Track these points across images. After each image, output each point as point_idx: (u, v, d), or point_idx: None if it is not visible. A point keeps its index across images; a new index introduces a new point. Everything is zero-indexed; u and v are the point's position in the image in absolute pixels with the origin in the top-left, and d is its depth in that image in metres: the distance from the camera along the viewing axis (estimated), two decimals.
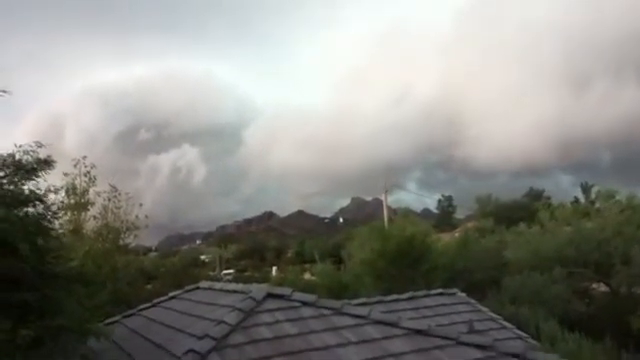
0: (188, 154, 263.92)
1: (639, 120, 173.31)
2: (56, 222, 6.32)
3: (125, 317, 8.81)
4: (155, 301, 8.81)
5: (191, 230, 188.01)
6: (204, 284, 8.56)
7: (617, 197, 22.19)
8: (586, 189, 53.73)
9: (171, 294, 8.77)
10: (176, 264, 35.39)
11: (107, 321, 8.57)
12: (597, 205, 26.69)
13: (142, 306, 8.85)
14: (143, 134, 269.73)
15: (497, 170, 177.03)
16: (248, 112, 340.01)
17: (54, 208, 6.13)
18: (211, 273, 49.16)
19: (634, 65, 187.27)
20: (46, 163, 6.06)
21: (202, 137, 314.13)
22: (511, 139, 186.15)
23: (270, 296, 6.45)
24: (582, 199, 49.30)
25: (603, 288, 20.10)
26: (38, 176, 5.99)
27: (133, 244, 17.71)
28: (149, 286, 24.06)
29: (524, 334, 9.04)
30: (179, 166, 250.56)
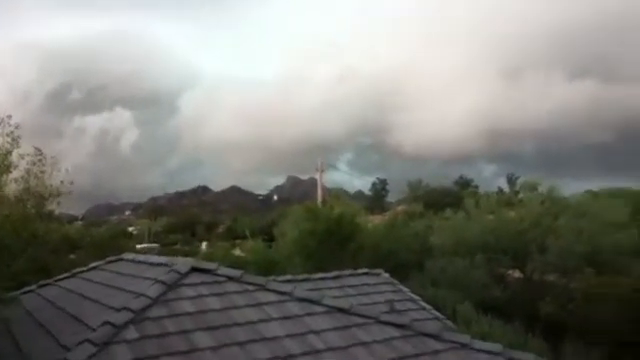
0: (118, 118, 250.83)
1: (563, 114, 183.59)
2: None
3: (41, 287, 8.49)
4: (74, 271, 8.53)
5: (120, 200, 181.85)
6: (127, 256, 8.36)
7: (539, 189, 23.27)
8: (511, 180, 56.20)
9: (92, 265, 8.52)
10: (102, 234, 34.34)
11: (22, 290, 8.24)
12: (520, 196, 27.99)
13: (60, 276, 8.54)
14: (75, 94, 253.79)
15: (427, 157, 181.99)
16: (191, 80, 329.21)
17: None
18: (138, 246, 47.97)
19: (563, 60, 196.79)
20: None
21: (138, 102, 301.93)
22: (442, 127, 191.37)
23: (195, 270, 6.38)
24: (507, 189, 51.69)
25: (517, 274, 21.19)
26: None
27: (57, 211, 16.96)
28: (73, 256, 23.23)
29: (441, 315, 9.45)
30: (107, 129, 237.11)
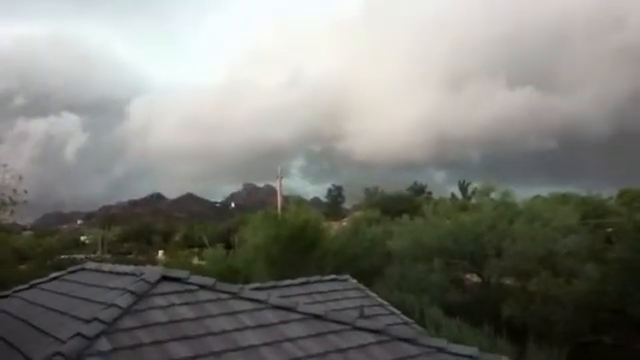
0: (65, 122, 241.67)
1: (507, 121, 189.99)
2: None
3: None
4: (33, 282, 8.17)
5: (68, 209, 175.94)
6: (90, 265, 8.08)
7: (492, 194, 23.91)
8: (463, 186, 57.29)
9: (52, 275, 8.19)
10: (54, 245, 33.24)
11: None
12: (473, 201, 28.66)
13: (18, 287, 8.17)
14: (20, 99, 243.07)
15: (376, 163, 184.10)
16: (140, 87, 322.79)
17: None
18: (92, 255, 46.58)
19: (503, 68, 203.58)
20: None
21: (86, 108, 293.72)
22: (390, 134, 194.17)
23: (165, 279, 6.20)
24: (458, 195, 52.73)
25: (475, 279, 21.67)
26: None
27: (10, 221, 16.30)
28: (23, 267, 22.39)
29: (410, 320, 9.54)
30: (52, 135, 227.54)
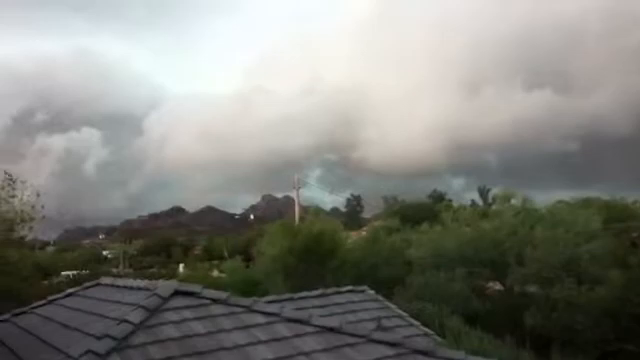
0: (85, 137, 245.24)
1: (525, 124, 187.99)
2: None
3: (16, 315, 8.14)
4: (50, 298, 8.21)
5: (89, 223, 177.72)
6: (105, 280, 8.09)
7: (513, 200, 23.47)
8: (483, 192, 56.49)
9: (69, 291, 8.22)
10: (76, 260, 33.48)
11: None
12: (494, 207, 28.18)
13: (36, 304, 8.22)
14: (40, 116, 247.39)
15: (392, 172, 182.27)
16: (157, 100, 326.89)
17: None
18: (114, 270, 46.99)
19: (519, 71, 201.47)
20: None
21: (104, 124, 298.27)
22: (406, 141, 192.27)
23: (178, 293, 6.17)
24: (478, 201, 52.07)
25: (498, 286, 21.24)
26: None
27: (29, 237, 16.48)
28: (46, 282, 22.60)
29: (429, 331, 9.35)
30: (71, 150, 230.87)
